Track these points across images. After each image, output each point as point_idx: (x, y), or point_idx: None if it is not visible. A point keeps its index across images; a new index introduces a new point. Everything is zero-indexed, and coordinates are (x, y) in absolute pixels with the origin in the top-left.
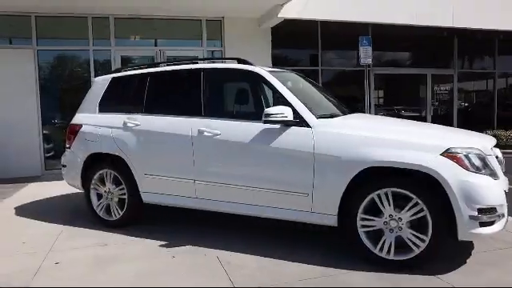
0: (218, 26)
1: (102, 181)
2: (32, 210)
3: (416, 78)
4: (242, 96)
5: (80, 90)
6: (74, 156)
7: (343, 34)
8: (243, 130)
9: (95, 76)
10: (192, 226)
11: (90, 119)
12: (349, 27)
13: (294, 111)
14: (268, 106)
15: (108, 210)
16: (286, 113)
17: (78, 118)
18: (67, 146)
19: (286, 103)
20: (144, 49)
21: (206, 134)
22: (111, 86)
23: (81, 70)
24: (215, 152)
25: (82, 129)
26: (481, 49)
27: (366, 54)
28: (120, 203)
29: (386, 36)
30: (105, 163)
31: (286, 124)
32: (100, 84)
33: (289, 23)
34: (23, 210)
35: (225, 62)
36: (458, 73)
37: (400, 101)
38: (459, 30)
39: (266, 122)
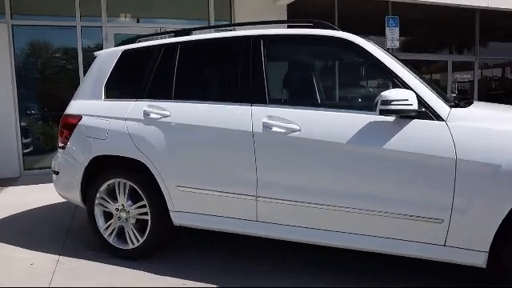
0: (227, 3)
1: (111, 194)
2: (11, 229)
3: (436, 65)
4: (328, 75)
5: (65, 74)
6: (71, 159)
7: (363, 15)
8: (336, 123)
9: (83, 57)
10: (247, 256)
11: (94, 108)
12: (369, 6)
13: (417, 97)
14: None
15: (121, 234)
16: (410, 99)
17: (75, 107)
18: (60, 144)
19: (399, 85)
20: (141, 26)
21: (275, 129)
22: (122, 62)
23: (66, 51)
24: (291, 156)
25: (82, 121)
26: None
27: (393, 36)
28: (139, 225)
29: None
30: (116, 170)
31: (407, 115)
32: (106, 60)
33: (305, 1)
34: None
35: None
36: (479, 60)
37: None
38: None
39: (383, 111)
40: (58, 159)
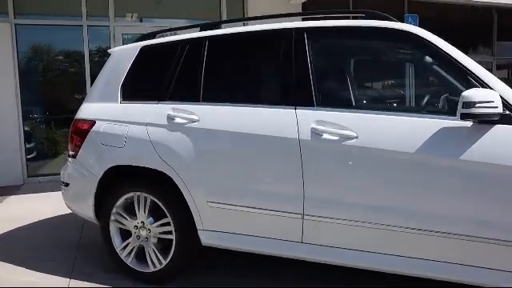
0: (240, 2)
1: (129, 210)
2: (13, 246)
3: None
4: (388, 73)
5: (71, 76)
6: (83, 170)
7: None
8: (402, 130)
9: (89, 58)
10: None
11: (109, 112)
12: (384, 5)
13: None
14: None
15: (141, 255)
16: (495, 100)
17: (87, 111)
18: (70, 153)
19: (476, 85)
20: (151, 26)
21: (327, 136)
22: (140, 60)
23: (71, 51)
24: (346, 168)
25: (96, 127)
26: None
27: None
28: (161, 245)
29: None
30: (136, 182)
31: (489, 120)
32: (122, 58)
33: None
34: None
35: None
36: (497, 60)
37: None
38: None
39: (465, 116)
40: (68, 169)
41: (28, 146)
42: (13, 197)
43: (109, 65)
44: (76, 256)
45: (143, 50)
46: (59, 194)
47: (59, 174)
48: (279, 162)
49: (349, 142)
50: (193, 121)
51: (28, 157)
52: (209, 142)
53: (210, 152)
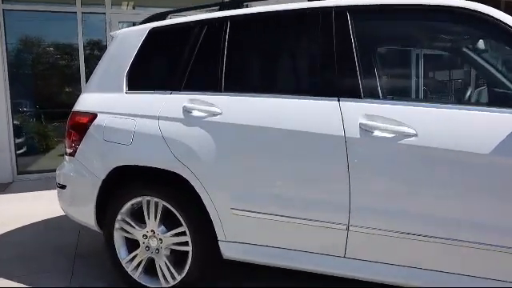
0: None
1: (137, 216)
2: (3, 254)
3: None
4: (449, 59)
5: (64, 66)
6: (82, 170)
7: None
8: (472, 126)
9: (84, 47)
10: None
11: (113, 103)
12: None
13: None
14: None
15: (151, 268)
16: None
17: (86, 102)
18: (67, 150)
19: None
20: (150, 13)
21: (379, 134)
22: (150, 44)
23: (65, 39)
24: (404, 171)
25: (98, 121)
26: None
27: None
28: (175, 258)
29: None
30: (145, 185)
31: None
32: (127, 42)
33: None
34: None
35: None
36: None
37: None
38: None
39: None
40: (65, 169)
41: (18, 141)
42: (1, 196)
43: (112, 50)
44: (74, 267)
45: (153, 32)
46: (52, 192)
47: (51, 170)
48: (319, 164)
49: (406, 141)
50: (214, 114)
51: (18, 152)
52: (234, 139)
53: (236, 151)
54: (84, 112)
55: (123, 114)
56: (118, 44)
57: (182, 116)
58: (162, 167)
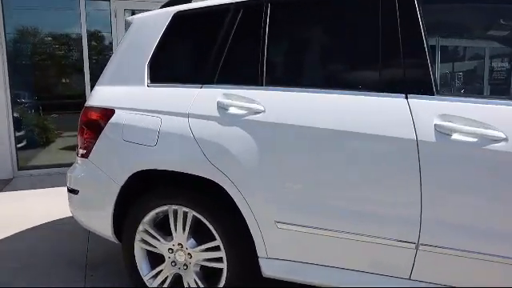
0: None
1: (162, 227)
2: (2, 263)
3: None
4: None
5: (66, 56)
6: (98, 174)
7: None
8: None
9: (88, 39)
10: None
11: (133, 98)
12: None
13: None
14: None
15: (178, 286)
16: None
17: (102, 96)
18: (80, 151)
19: None
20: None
21: (459, 137)
22: (175, 30)
23: (67, 28)
24: (491, 183)
25: (116, 118)
26: None
27: None
28: (204, 274)
29: None
30: (172, 192)
31: None
32: (148, 28)
33: None
34: None
35: None
36: None
37: None
38: None
39: None
40: (77, 172)
41: (18, 134)
42: (1, 194)
43: (130, 37)
44: (85, 280)
45: (178, 16)
46: (56, 190)
47: (54, 165)
48: (385, 172)
49: (492, 146)
50: (255, 111)
51: (18, 146)
52: (279, 141)
53: (282, 155)
54: (99, 107)
55: (145, 110)
56: (137, 30)
57: (216, 113)
58: (193, 172)
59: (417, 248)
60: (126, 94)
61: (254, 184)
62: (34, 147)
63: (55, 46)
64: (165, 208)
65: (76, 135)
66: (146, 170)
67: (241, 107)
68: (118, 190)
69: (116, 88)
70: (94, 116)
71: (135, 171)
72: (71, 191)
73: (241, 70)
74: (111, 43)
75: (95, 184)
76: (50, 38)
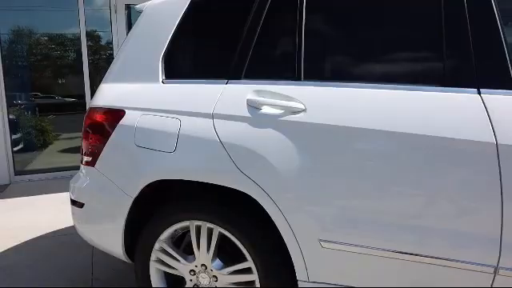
0: None
1: (180, 244)
2: (4, 283)
3: None
4: None
5: (65, 55)
6: (106, 184)
7: None
8: None
9: (87, 36)
10: None
11: (145, 96)
12: None
13: None
14: None
15: None
16: None
17: (110, 95)
18: (85, 158)
19: None
20: None
21: None
22: (193, 18)
23: (64, 26)
24: None
25: (127, 120)
26: None
27: None
28: None
29: None
30: (194, 205)
31: None
32: (161, 16)
33: None
34: None
35: None
36: None
37: None
38: None
39: None
40: (82, 182)
41: (14, 137)
42: None
43: (140, 28)
44: None
45: (196, 3)
46: (55, 197)
47: (53, 170)
48: (455, 182)
49: None
50: (294, 111)
51: (14, 149)
52: (324, 145)
53: (328, 162)
54: (107, 108)
55: (161, 110)
56: (149, 20)
57: (246, 113)
58: (219, 183)
59: (495, 272)
60: (137, 92)
61: (293, 196)
62: (31, 150)
63: (54, 43)
64: (185, 224)
65: (73, 137)
66: (164, 181)
67: (276, 106)
68: (130, 203)
69: (125, 85)
70: (100, 118)
71: (150, 181)
72: (75, 204)
73: (273, 63)
74: (111, 41)
75: (103, 196)
76: (46, 38)
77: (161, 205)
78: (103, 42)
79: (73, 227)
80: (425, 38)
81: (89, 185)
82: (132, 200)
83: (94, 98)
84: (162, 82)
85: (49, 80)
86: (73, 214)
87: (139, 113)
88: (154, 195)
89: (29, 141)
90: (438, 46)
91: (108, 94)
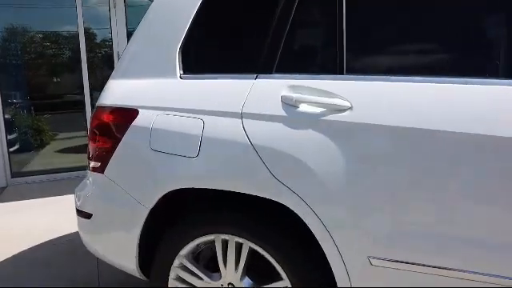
0: None
1: (205, 262)
2: None
3: None
4: None
5: (61, 50)
6: (117, 194)
7: None
8: None
9: (85, 32)
10: None
11: (162, 93)
12: None
13: None
14: None
15: None
16: None
17: (119, 92)
18: (92, 164)
19: None
20: None
21: None
22: (215, 4)
23: (61, 20)
24: None
25: (141, 120)
26: None
27: None
28: None
29: None
30: (221, 217)
31: None
32: (179, 1)
33: None
34: None
35: None
36: None
37: None
38: None
39: None
40: (89, 191)
41: (9, 137)
42: None
43: (154, 15)
44: None
45: None
46: (55, 200)
47: (51, 171)
48: None
49: None
50: (338, 109)
51: (10, 150)
52: (377, 149)
53: (381, 169)
54: (117, 107)
55: (181, 109)
56: (163, 6)
57: (282, 112)
58: (251, 192)
59: None
60: (151, 90)
61: (339, 208)
62: (28, 147)
63: (48, 43)
64: (210, 238)
65: (72, 136)
66: (185, 190)
67: (316, 103)
68: (145, 215)
69: (137, 82)
70: (110, 118)
71: (169, 190)
72: (81, 214)
73: (309, 54)
74: (110, 37)
75: (114, 207)
76: (42, 35)
77: (180, 216)
78: (102, 39)
79: (74, 233)
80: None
81: (97, 194)
82: (148, 211)
83: (102, 95)
84: (180, 77)
85: (46, 78)
86: (79, 225)
87: (155, 112)
88: (167, 205)
89: (26, 141)
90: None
91: (118, 92)
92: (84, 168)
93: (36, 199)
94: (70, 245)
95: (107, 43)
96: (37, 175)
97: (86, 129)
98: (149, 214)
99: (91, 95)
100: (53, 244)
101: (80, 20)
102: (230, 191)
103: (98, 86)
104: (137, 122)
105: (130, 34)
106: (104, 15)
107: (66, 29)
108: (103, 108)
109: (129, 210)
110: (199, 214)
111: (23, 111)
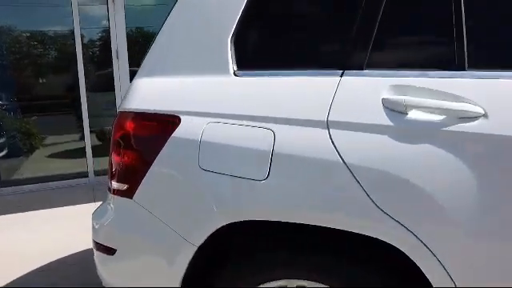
0: None
1: None
2: None
3: None
4: None
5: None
6: (152, 225)
7: None
8: None
9: (80, 27)
10: None
11: (210, 94)
12: None
13: None
14: None
15: None
16: None
17: (151, 94)
18: (117, 185)
19: None
20: None
21: None
22: None
23: (56, 17)
24: None
25: (184, 130)
26: None
27: None
28: None
29: None
30: (298, 259)
31: None
32: None
33: None
34: None
35: None
36: None
37: None
38: None
39: None
40: (112, 219)
41: None
42: None
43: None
44: None
45: None
46: (48, 213)
47: (44, 179)
48: None
49: None
50: (465, 116)
51: None
52: None
53: None
54: (149, 113)
55: (241, 116)
56: None
57: (385, 120)
58: (346, 228)
59: None
60: (197, 89)
61: (471, 248)
62: (17, 152)
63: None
64: (280, 284)
65: (66, 140)
66: (249, 223)
67: (433, 108)
68: (191, 254)
69: (175, 80)
70: (140, 127)
71: (227, 223)
72: (101, 249)
73: (414, 43)
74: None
75: (148, 242)
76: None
77: (239, 256)
78: (99, 37)
79: (74, 255)
80: None
81: (123, 224)
82: (195, 249)
83: (127, 98)
84: (234, 73)
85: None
86: (99, 261)
87: (204, 120)
88: (226, 243)
89: (15, 146)
90: None
91: (149, 93)
92: (80, 175)
93: (26, 212)
94: (71, 267)
95: (105, 41)
96: (28, 184)
97: (81, 131)
98: (196, 252)
99: (87, 96)
100: (48, 269)
101: (76, 17)
102: (313, 225)
103: (94, 87)
104: (179, 132)
105: (129, 31)
106: (101, 12)
107: (60, 27)
108: (129, 114)
109: (168, 246)
110: (264, 254)
111: (10, 113)
